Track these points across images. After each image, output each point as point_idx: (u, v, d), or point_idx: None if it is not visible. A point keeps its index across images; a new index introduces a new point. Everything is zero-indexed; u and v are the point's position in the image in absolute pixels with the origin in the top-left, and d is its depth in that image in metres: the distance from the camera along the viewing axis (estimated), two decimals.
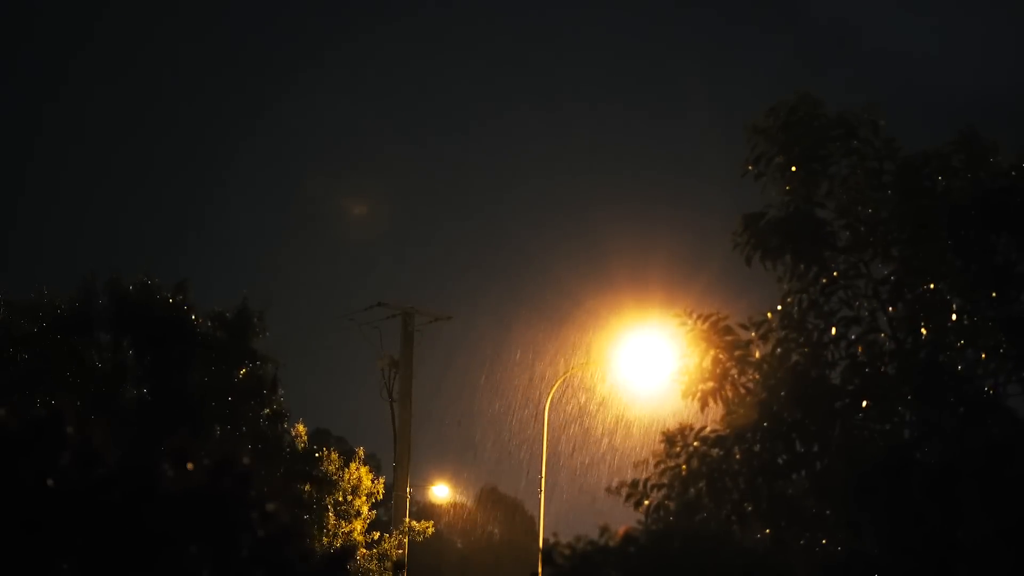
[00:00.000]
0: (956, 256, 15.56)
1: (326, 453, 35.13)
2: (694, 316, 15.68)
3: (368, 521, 35.95)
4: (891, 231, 15.84)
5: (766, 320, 15.72)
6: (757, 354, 15.66)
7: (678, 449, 15.23)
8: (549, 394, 40.54)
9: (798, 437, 15.10)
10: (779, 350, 15.58)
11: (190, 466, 8.24)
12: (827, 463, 15.03)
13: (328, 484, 34.62)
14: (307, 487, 33.44)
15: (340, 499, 35.10)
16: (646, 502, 15.22)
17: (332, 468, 35.04)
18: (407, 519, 37.58)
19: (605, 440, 44.90)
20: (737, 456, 15.11)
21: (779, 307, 15.78)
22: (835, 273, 15.77)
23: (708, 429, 15.34)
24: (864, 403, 15.25)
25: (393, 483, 39.15)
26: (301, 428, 33.73)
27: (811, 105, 16.08)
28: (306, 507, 32.54)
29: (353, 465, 35.55)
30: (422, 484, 54.96)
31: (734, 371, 15.54)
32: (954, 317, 15.64)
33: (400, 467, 39.02)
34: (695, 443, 15.23)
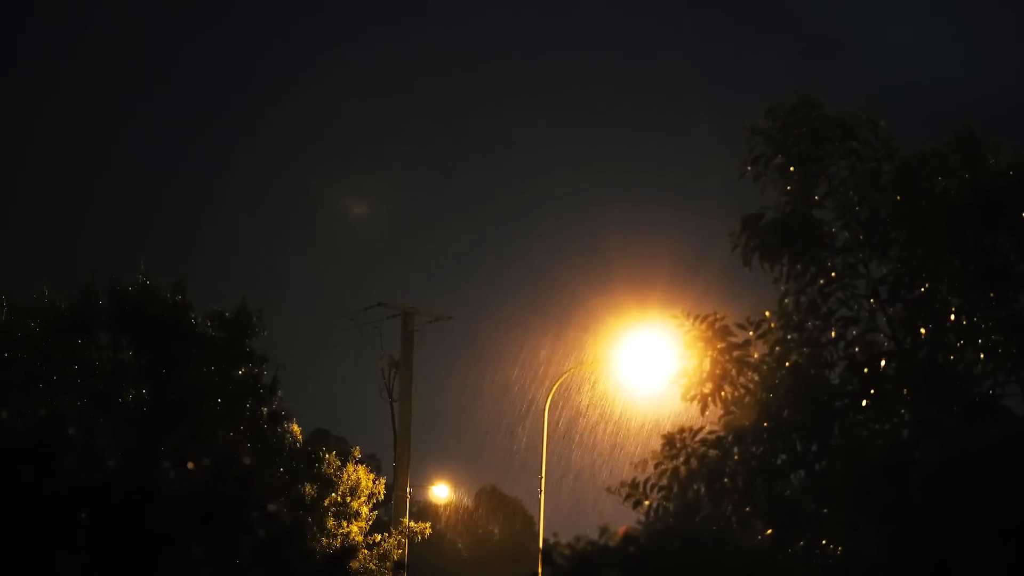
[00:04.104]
0: (955, 256, 15.58)
1: (323, 454, 35.09)
2: (692, 317, 15.71)
3: (370, 522, 35.93)
4: (889, 231, 15.87)
5: (764, 320, 15.75)
6: (756, 355, 15.68)
7: (677, 450, 15.25)
8: (549, 394, 40.57)
9: (797, 437, 15.12)
10: (778, 350, 15.61)
11: (191, 466, 8.25)
12: (826, 463, 15.05)
13: (328, 484, 34.60)
14: (308, 489, 33.45)
15: (338, 499, 35.06)
16: (646, 503, 15.24)
17: (330, 469, 34.99)
18: (405, 519, 37.59)
19: (605, 440, 44.95)
20: (736, 457, 15.14)
21: (778, 307, 15.82)
22: (833, 274, 15.80)
23: (707, 431, 15.36)
24: (863, 403, 15.27)
25: (393, 483, 39.16)
26: (296, 428, 33.70)
27: (810, 106, 16.12)
28: (306, 507, 32.55)
29: (350, 466, 35.52)
30: (422, 484, 54.99)
31: (733, 372, 15.56)
32: (953, 317, 15.66)
33: (400, 467, 39.02)
34: (694, 444, 15.25)
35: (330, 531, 34.32)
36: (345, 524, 34.97)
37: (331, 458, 35.02)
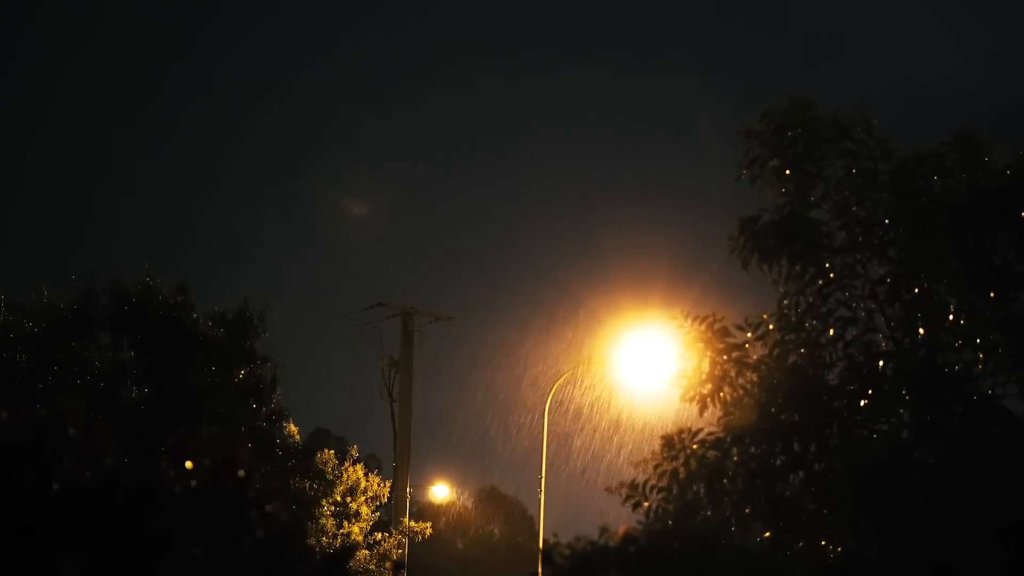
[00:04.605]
0: (953, 256, 15.58)
1: (322, 455, 35.08)
2: (691, 318, 15.72)
3: (371, 523, 35.92)
4: (888, 232, 15.87)
5: (763, 322, 15.76)
6: (755, 356, 15.69)
7: (676, 451, 15.25)
8: (549, 394, 40.59)
9: (796, 438, 15.13)
10: (777, 351, 15.61)
11: (190, 466, 8.26)
12: (825, 464, 15.06)
13: (326, 482, 34.58)
14: (308, 485, 33.44)
15: (338, 499, 35.05)
16: (645, 504, 15.25)
17: (328, 469, 34.98)
18: (406, 519, 37.59)
19: (605, 440, 44.95)
20: (735, 458, 15.14)
21: (777, 309, 15.82)
22: (832, 275, 15.80)
23: (706, 432, 15.37)
24: (862, 403, 15.28)
25: (393, 483, 39.19)
26: (293, 428, 33.71)
27: (804, 108, 16.12)
28: (304, 504, 32.54)
29: (348, 464, 35.50)
30: (422, 484, 55.03)
31: (732, 372, 15.57)
32: (952, 317, 15.66)
33: (400, 467, 39.03)
34: (693, 445, 15.26)
35: (329, 531, 34.32)
36: (347, 524, 34.98)
37: (328, 455, 34.99)
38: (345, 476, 35.22)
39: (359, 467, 35.80)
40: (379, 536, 36.00)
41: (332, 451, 35.64)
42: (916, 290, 15.75)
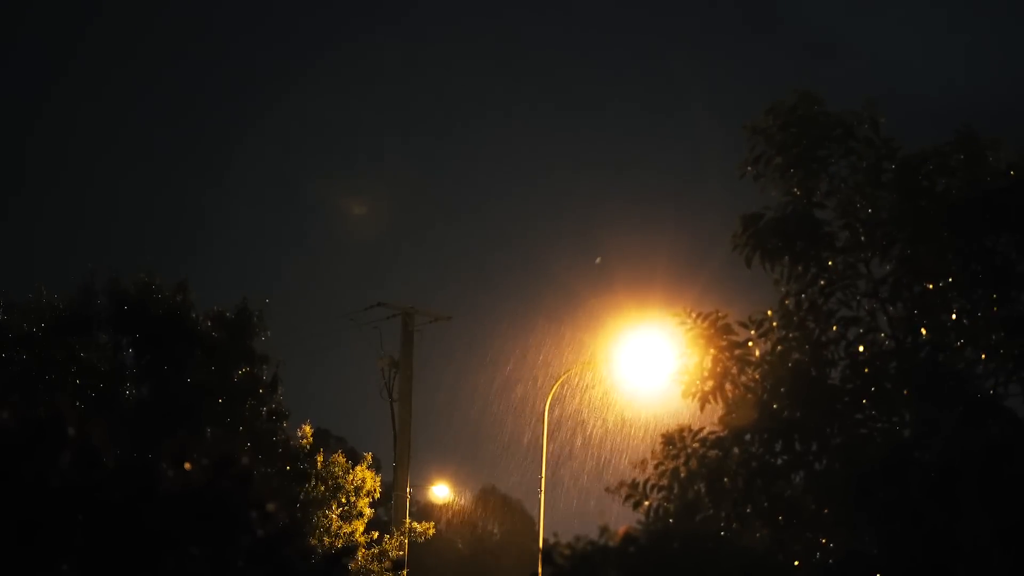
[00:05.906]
0: (956, 256, 15.56)
1: (334, 457, 35.08)
2: (694, 315, 15.69)
3: (367, 519, 35.94)
4: (891, 231, 15.85)
5: (766, 319, 15.73)
6: (757, 353, 15.66)
7: (677, 450, 15.22)
8: (549, 394, 40.57)
9: (798, 437, 15.10)
10: (779, 349, 15.58)
11: (188, 466, 8.25)
12: (826, 463, 15.03)
13: (335, 485, 34.58)
14: (320, 488, 33.47)
15: (344, 500, 35.07)
16: (646, 503, 15.22)
17: (338, 471, 34.97)
18: (407, 519, 37.57)
19: (605, 440, 44.92)
20: (736, 457, 15.12)
21: (779, 307, 15.79)
22: (834, 274, 15.77)
23: (707, 431, 15.34)
24: (864, 403, 15.25)
25: (393, 483, 39.15)
26: (307, 429, 33.74)
27: (810, 105, 16.08)
28: (305, 506, 32.54)
29: (359, 468, 35.54)
30: (422, 484, 54.99)
31: (734, 370, 15.54)
32: (954, 317, 15.64)
33: (400, 467, 39.01)
34: (694, 444, 15.23)
35: (334, 530, 34.33)
36: (347, 525, 34.98)
37: (341, 459, 34.99)
38: (351, 476, 35.23)
39: (368, 472, 35.78)
40: (375, 534, 35.98)
41: (345, 457, 35.64)
42: (918, 290, 15.74)
